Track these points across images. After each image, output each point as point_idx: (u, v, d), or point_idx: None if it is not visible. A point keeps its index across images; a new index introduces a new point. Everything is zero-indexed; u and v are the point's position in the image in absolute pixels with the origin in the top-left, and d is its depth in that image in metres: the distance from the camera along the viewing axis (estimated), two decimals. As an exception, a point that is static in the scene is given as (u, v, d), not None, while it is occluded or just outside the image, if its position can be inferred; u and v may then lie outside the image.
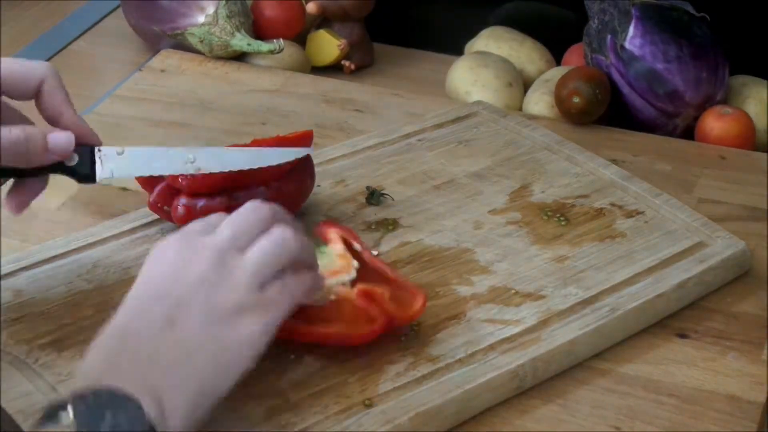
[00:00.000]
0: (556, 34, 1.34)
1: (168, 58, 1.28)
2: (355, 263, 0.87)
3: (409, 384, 0.82)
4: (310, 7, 1.32)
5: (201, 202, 0.92)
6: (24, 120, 0.84)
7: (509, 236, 0.98)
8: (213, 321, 0.73)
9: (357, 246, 0.88)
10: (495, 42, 1.31)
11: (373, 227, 0.99)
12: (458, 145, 1.10)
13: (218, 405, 0.73)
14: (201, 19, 1.26)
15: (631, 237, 0.98)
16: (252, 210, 0.79)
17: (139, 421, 0.67)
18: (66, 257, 0.94)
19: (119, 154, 0.87)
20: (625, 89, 1.19)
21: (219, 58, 1.28)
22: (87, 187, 0.88)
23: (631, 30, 1.19)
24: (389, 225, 0.99)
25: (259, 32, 1.31)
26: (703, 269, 0.94)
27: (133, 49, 1.34)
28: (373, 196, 1.02)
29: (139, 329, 0.72)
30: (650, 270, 0.94)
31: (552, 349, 0.86)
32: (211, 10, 1.25)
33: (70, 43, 1.35)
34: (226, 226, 0.78)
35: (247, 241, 0.77)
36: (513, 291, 0.91)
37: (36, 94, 0.83)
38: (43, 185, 0.86)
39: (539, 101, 1.22)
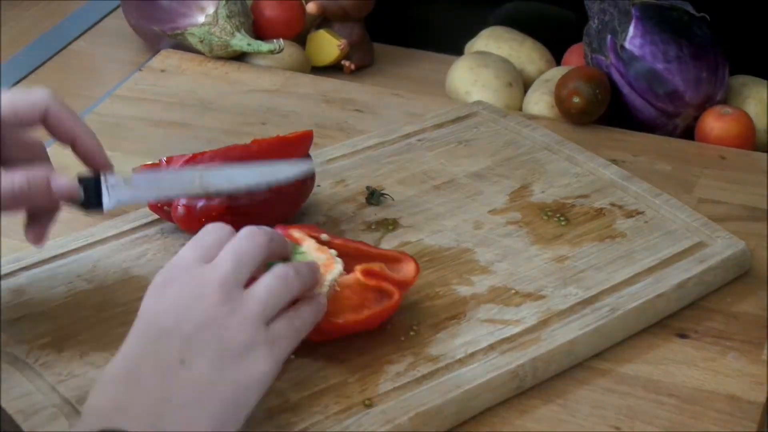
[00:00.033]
0: (556, 34, 1.34)
1: (168, 58, 1.28)
2: (333, 251, 0.87)
3: (409, 384, 0.82)
4: (310, 7, 1.32)
5: (201, 203, 0.92)
6: (36, 150, 0.84)
7: (509, 236, 0.98)
8: (223, 361, 0.73)
9: (324, 236, 0.88)
10: (495, 42, 1.31)
11: (373, 227, 0.99)
12: (458, 145, 1.10)
13: None
14: (201, 19, 1.26)
15: (631, 237, 0.98)
16: (249, 238, 0.78)
17: None
18: (66, 257, 0.94)
19: (125, 181, 0.85)
20: (625, 89, 1.19)
21: (219, 58, 1.28)
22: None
23: (631, 30, 1.19)
24: (389, 225, 0.99)
25: (259, 32, 1.31)
26: (703, 269, 0.94)
27: (133, 49, 1.34)
28: (373, 196, 1.02)
29: (149, 369, 0.72)
30: (650, 270, 0.94)
31: (552, 349, 0.86)
32: (211, 10, 1.25)
33: (70, 43, 1.35)
34: (227, 257, 0.77)
35: (248, 274, 0.77)
36: (513, 291, 0.91)
37: (43, 120, 0.83)
38: (56, 211, 0.86)
39: (539, 101, 1.22)
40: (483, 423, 0.83)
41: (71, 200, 0.83)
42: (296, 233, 0.88)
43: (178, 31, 1.27)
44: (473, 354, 0.85)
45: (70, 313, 0.88)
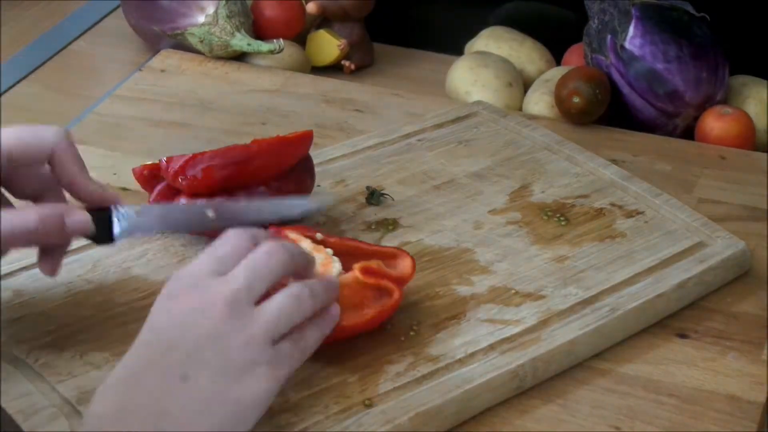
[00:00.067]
0: (556, 34, 1.34)
1: (168, 58, 1.28)
2: (329, 251, 0.87)
3: (409, 384, 0.82)
4: (310, 7, 1.32)
5: (201, 202, 0.92)
6: (47, 181, 0.84)
7: (509, 236, 0.98)
8: (226, 377, 0.72)
9: (318, 236, 0.88)
10: (495, 42, 1.31)
11: (373, 227, 0.99)
12: (458, 145, 1.10)
13: None
14: (201, 19, 1.26)
15: (631, 237, 0.98)
16: (270, 253, 0.76)
17: None
18: (66, 257, 0.93)
19: (136, 213, 0.85)
20: (625, 89, 1.19)
21: (219, 58, 1.28)
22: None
23: (631, 30, 1.19)
24: (389, 225, 0.99)
25: (259, 32, 1.31)
26: (703, 269, 0.94)
27: (133, 49, 1.34)
28: (373, 196, 1.02)
29: (150, 381, 0.71)
30: (650, 270, 0.94)
31: (552, 349, 0.86)
32: (211, 10, 1.25)
33: (70, 43, 1.35)
34: (242, 272, 0.75)
35: (263, 289, 0.75)
36: (513, 291, 0.91)
37: (49, 161, 0.82)
38: (69, 244, 0.86)
39: (539, 101, 1.22)
40: (483, 423, 0.83)
41: (83, 235, 0.83)
42: (291, 234, 0.88)
43: (178, 31, 1.27)
44: (473, 354, 0.85)
45: (70, 313, 0.88)
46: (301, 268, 0.80)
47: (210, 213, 0.87)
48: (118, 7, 1.40)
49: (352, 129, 1.17)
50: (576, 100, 1.16)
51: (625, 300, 0.90)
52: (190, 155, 0.92)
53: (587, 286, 0.92)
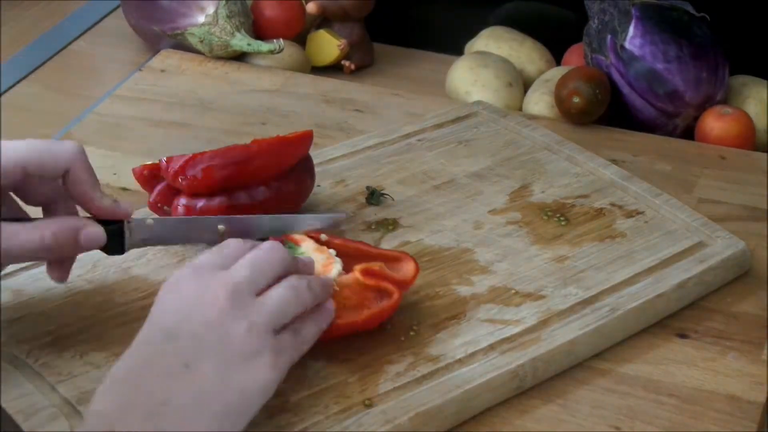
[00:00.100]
0: (556, 34, 1.34)
1: (168, 58, 1.28)
2: (332, 251, 0.87)
3: (409, 384, 0.82)
4: (310, 7, 1.32)
5: (201, 203, 0.92)
6: (59, 191, 0.84)
7: (509, 236, 0.98)
8: (228, 366, 0.73)
9: (323, 236, 0.88)
10: (495, 42, 1.31)
11: (373, 227, 0.99)
12: (458, 145, 1.10)
13: None
14: (201, 19, 1.26)
15: (631, 237, 0.98)
16: (271, 250, 0.79)
17: None
18: (67, 258, 0.94)
19: (149, 225, 0.87)
20: (625, 89, 1.19)
21: (219, 58, 1.28)
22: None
23: (631, 30, 1.19)
24: (389, 225, 0.99)
25: (259, 32, 1.31)
26: (703, 269, 0.94)
27: (133, 49, 1.34)
28: (373, 196, 1.02)
29: (152, 371, 0.72)
30: (650, 270, 0.94)
31: (552, 349, 0.86)
32: (211, 10, 1.25)
33: (70, 43, 1.35)
34: (245, 265, 0.77)
35: (263, 283, 0.77)
36: (513, 291, 0.91)
37: (63, 177, 0.83)
38: (78, 253, 0.86)
39: (539, 101, 1.22)
40: (483, 423, 0.83)
41: (96, 248, 0.85)
42: (296, 234, 0.88)
43: (178, 31, 1.27)
44: (473, 354, 0.85)
45: (70, 313, 0.88)
46: (300, 267, 0.81)
47: (221, 227, 0.89)
48: (118, 7, 1.40)
49: (352, 129, 1.17)
50: (576, 100, 1.16)
51: (625, 300, 0.90)
52: (190, 155, 0.92)
53: (587, 286, 0.92)
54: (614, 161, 1.09)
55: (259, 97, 1.22)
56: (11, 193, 0.83)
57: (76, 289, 0.91)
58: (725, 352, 0.89)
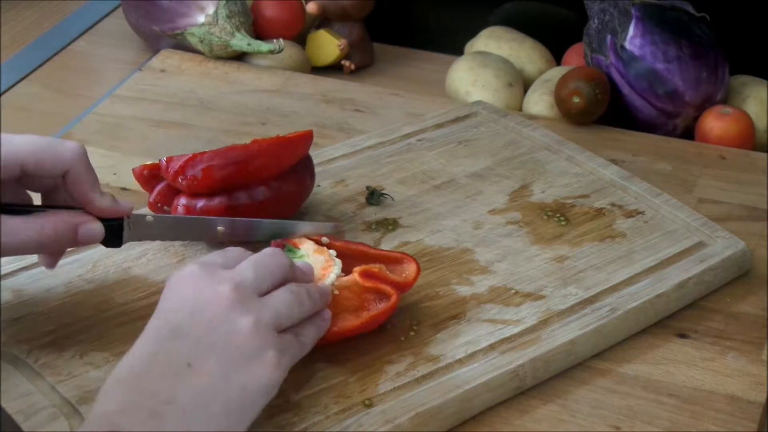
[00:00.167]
0: (556, 34, 1.34)
1: (168, 58, 1.28)
2: (333, 252, 0.87)
3: (409, 384, 0.82)
4: (310, 7, 1.32)
5: (201, 203, 0.92)
6: (58, 182, 0.84)
7: (509, 236, 0.98)
8: (232, 364, 0.73)
9: (324, 239, 0.89)
10: (495, 42, 1.31)
11: (373, 227, 0.99)
12: (458, 145, 1.10)
13: None
14: (201, 19, 1.26)
15: (631, 237, 0.98)
16: (273, 255, 0.80)
17: None
18: (66, 257, 0.94)
19: (148, 222, 0.87)
20: (625, 89, 1.19)
21: (219, 58, 1.28)
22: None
23: (631, 30, 1.19)
24: (389, 225, 0.99)
25: (259, 32, 1.31)
26: (703, 269, 0.94)
27: (133, 49, 1.34)
28: (373, 196, 1.02)
29: (156, 370, 0.72)
30: (650, 270, 0.94)
31: (552, 349, 0.86)
32: (211, 10, 1.25)
33: (70, 43, 1.35)
34: (249, 266, 0.78)
35: (266, 286, 0.78)
36: (513, 291, 0.91)
37: (63, 177, 0.83)
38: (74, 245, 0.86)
39: (539, 101, 1.22)
40: (483, 423, 0.83)
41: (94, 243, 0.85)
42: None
43: (178, 31, 1.27)
44: (473, 354, 0.85)
45: (70, 313, 0.88)
46: (298, 275, 0.82)
47: (221, 228, 0.89)
48: (118, 7, 1.40)
49: (352, 129, 1.17)
50: (576, 100, 1.16)
51: (625, 300, 0.90)
52: (190, 155, 0.92)
53: (587, 286, 0.92)
54: (614, 161, 1.09)
55: (259, 97, 1.22)
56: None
57: (76, 289, 0.91)
58: (725, 352, 0.89)
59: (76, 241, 0.83)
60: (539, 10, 1.39)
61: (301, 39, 1.33)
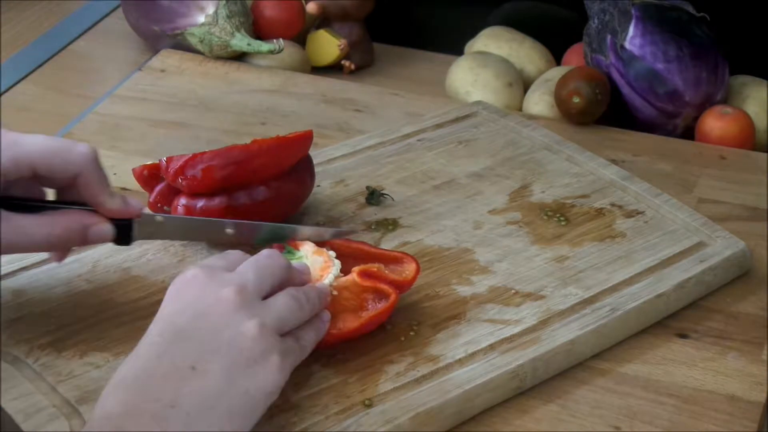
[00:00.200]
0: (556, 34, 1.34)
1: (168, 58, 1.28)
2: (332, 253, 0.87)
3: (409, 384, 0.82)
4: (310, 7, 1.32)
5: (201, 203, 0.92)
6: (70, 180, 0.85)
7: (509, 236, 0.98)
8: (236, 369, 0.73)
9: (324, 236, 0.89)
10: (495, 42, 1.31)
11: (373, 227, 0.99)
12: (458, 145, 1.10)
13: None
14: (201, 19, 1.26)
15: (631, 237, 0.98)
16: (271, 257, 0.80)
17: None
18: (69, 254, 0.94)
19: (158, 222, 0.87)
20: (625, 89, 1.19)
21: (219, 58, 1.28)
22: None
23: (631, 30, 1.19)
24: (389, 225, 0.99)
25: (259, 32, 1.31)
26: (703, 269, 0.94)
27: (133, 49, 1.34)
28: (373, 196, 1.02)
29: (160, 373, 0.72)
30: (650, 270, 0.94)
31: (552, 349, 0.86)
32: (211, 10, 1.25)
33: (70, 43, 1.35)
34: (250, 269, 0.78)
35: (267, 288, 0.78)
36: (513, 291, 0.91)
37: (74, 179, 0.83)
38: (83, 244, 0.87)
39: (539, 101, 1.22)
40: (483, 423, 0.83)
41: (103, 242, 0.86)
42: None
43: (178, 31, 1.27)
44: (473, 354, 0.85)
45: (70, 313, 0.88)
46: (295, 277, 0.82)
47: (229, 230, 0.89)
48: (118, 7, 1.40)
49: (352, 129, 1.17)
50: (576, 100, 1.16)
51: (625, 300, 0.90)
52: (190, 155, 0.92)
53: (587, 286, 0.92)
54: (614, 161, 1.09)
55: (259, 97, 1.22)
56: None
57: (76, 289, 0.91)
58: (725, 352, 0.89)
59: (86, 241, 0.83)
60: (539, 10, 1.39)
61: (301, 39, 1.33)
